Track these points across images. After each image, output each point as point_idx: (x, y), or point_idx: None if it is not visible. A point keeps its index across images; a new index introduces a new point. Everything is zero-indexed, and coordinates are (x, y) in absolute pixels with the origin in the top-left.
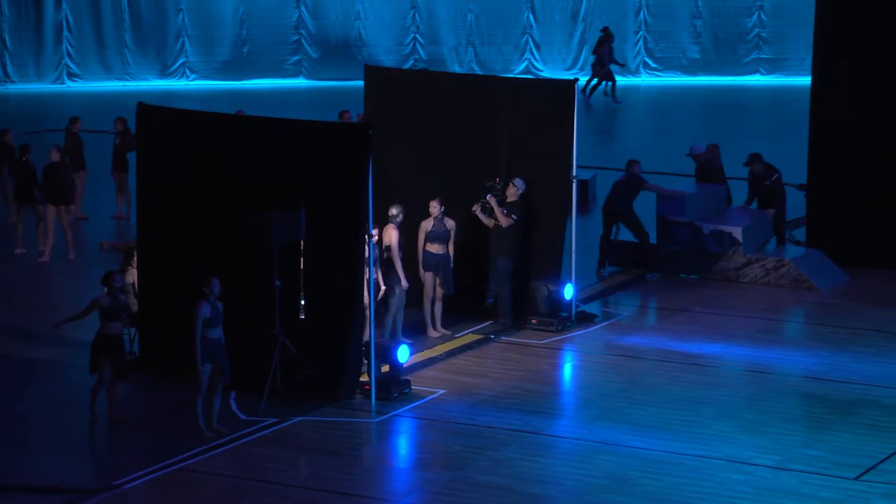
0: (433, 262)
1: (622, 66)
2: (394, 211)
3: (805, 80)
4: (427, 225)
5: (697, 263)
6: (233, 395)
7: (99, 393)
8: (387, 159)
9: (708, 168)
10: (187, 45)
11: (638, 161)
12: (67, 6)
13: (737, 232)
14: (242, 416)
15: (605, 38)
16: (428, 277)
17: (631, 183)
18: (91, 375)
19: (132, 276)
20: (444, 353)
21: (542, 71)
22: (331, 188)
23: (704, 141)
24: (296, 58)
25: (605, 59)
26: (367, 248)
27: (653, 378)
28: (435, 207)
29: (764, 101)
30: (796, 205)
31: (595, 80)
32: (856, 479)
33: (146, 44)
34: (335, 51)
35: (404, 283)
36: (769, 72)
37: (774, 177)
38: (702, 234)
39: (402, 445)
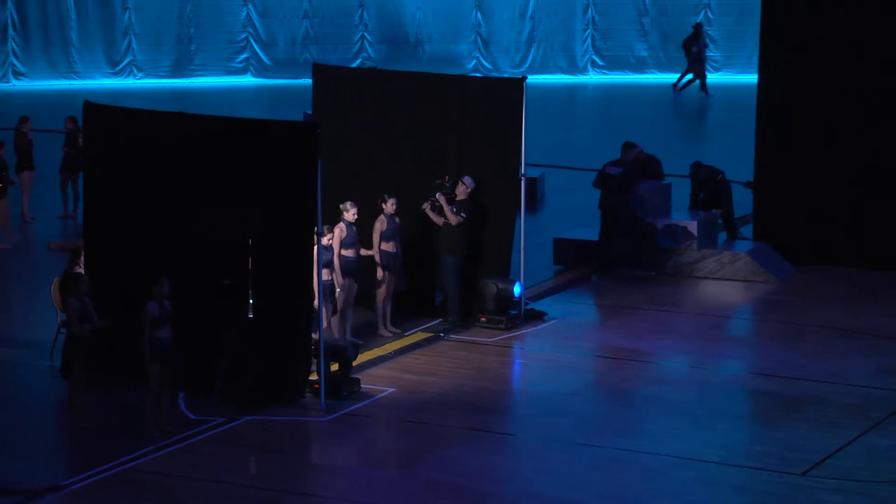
0: (389, 260)
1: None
2: (347, 207)
3: (753, 78)
4: (381, 223)
5: (651, 259)
6: (181, 394)
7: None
8: (335, 158)
9: (652, 166)
10: (134, 44)
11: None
12: (12, 4)
13: (692, 226)
14: (191, 416)
15: (697, 34)
16: (385, 275)
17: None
18: (55, 376)
19: None
20: (393, 351)
21: (490, 69)
22: (279, 187)
23: (650, 139)
24: (244, 56)
25: (701, 55)
26: (315, 247)
27: (602, 375)
28: (391, 205)
29: (712, 99)
30: (743, 202)
31: (690, 76)
32: (803, 474)
33: (93, 42)
34: (283, 49)
35: (338, 281)
36: (717, 70)
37: (719, 177)
38: (655, 230)
39: (352, 444)
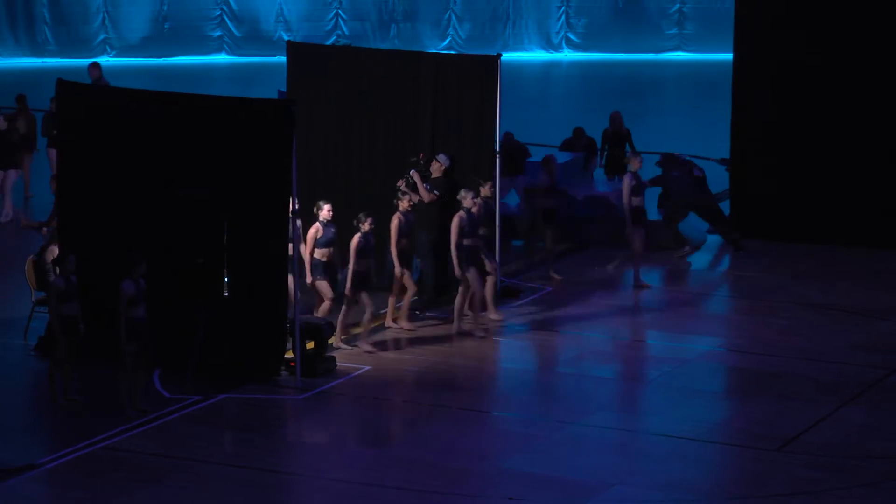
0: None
1: None
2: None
3: (728, 56)
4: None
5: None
6: (156, 373)
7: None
8: (310, 136)
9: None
10: (107, 21)
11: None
12: None
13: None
14: (166, 394)
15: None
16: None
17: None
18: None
19: (53, 253)
20: (369, 329)
21: (465, 47)
22: (255, 164)
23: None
24: (217, 34)
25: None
26: (291, 225)
27: (578, 352)
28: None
29: (687, 77)
30: (719, 179)
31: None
32: (777, 450)
33: (65, 20)
34: (257, 26)
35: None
36: (691, 48)
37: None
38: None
39: (328, 422)
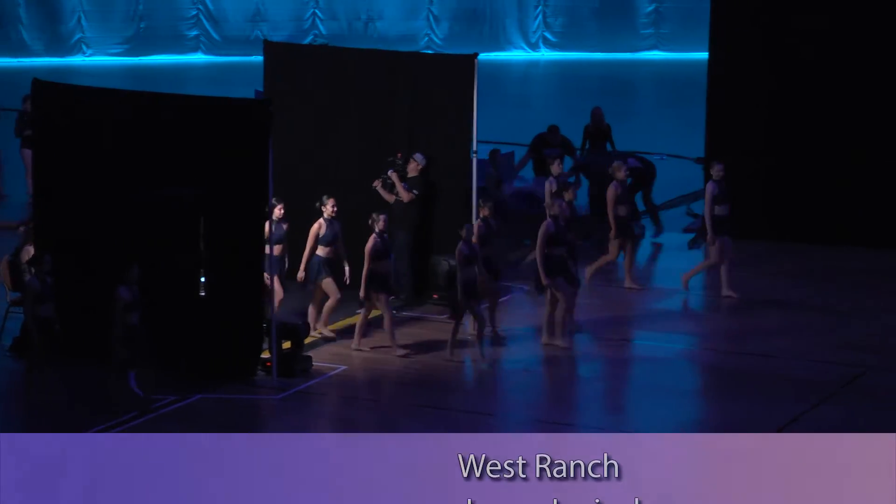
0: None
1: None
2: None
3: (704, 56)
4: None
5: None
6: (132, 374)
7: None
8: (287, 136)
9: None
10: (83, 21)
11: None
12: None
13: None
14: (141, 394)
15: None
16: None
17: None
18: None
19: (29, 253)
20: (346, 328)
21: (442, 46)
22: (231, 165)
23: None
24: (194, 33)
25: None
26: (268, 225)
27: (553, 351)
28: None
29: (664, 76)
30: (695, 178)
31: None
32: None
33: (41, 19)
34: (234, 26)
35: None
36: (668, 47)
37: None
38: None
39: (304, 421)
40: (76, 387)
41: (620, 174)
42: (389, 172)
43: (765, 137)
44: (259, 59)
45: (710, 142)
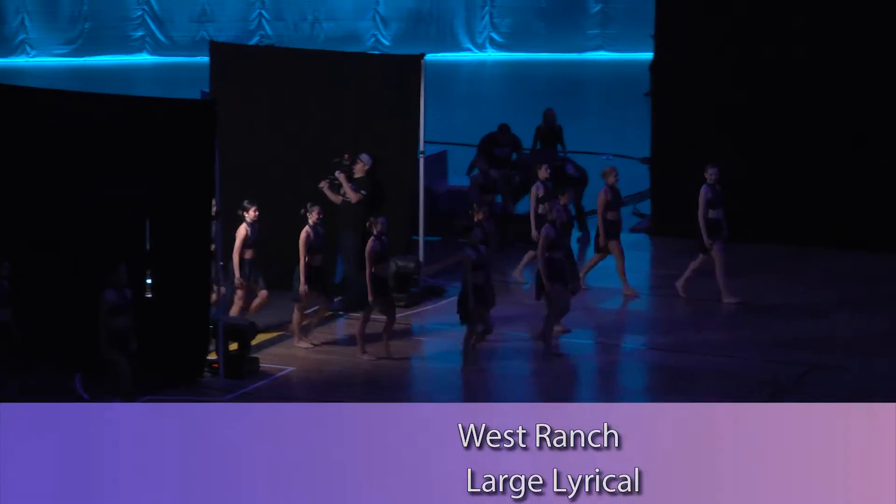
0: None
1: None
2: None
3: (649, 56)
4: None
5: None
6: (77, 375)
7: None
8: (234, 137)
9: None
10: (27, 21)
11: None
12: None
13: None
14: (86, 397)
15: None
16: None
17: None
18: None
19: None
20: (293, 330)
21: (389, 47)
22: (177, 166)
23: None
24: (139, 34)
25: None
26: (214, 226)
27: (504, 351)
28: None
29: (610, 77)
30: (641, 178)
31: None
32: None
33: None
34: (180, 27)
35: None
36: (614, 48)
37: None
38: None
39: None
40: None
41: (610, 179)
42: (337, 173)
43: (710, 138)
44: (205, 59)
45: (655, 142)
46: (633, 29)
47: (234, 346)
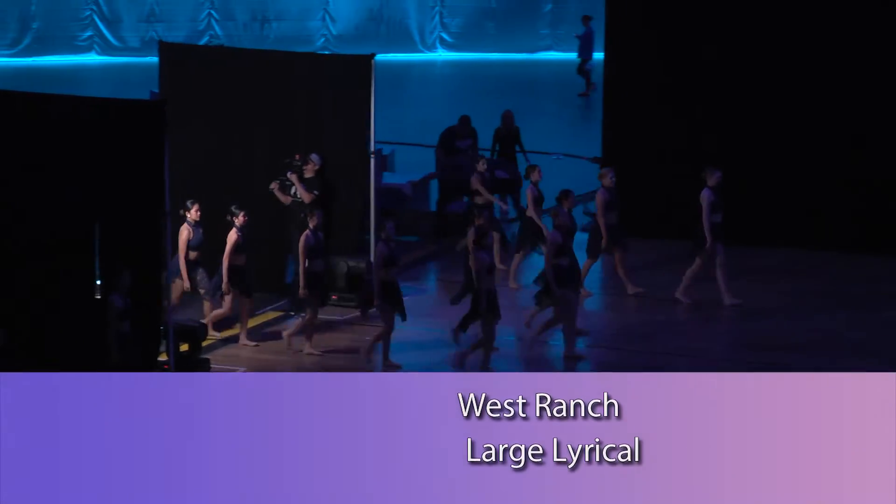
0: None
1: None
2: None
3: (600, 56)
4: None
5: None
6: None
7: None
8: (184, 137)
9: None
10: None
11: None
12: None
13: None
14: None
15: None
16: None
17: None
18: None
19: None
20: (245, 331)
21: (338, 47)
22: (127, 167)
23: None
24: (88, 34)
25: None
26: (166, 228)
27: (451, 352)
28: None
29: (561, 76)
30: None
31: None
32: None
33: None
34: (128, 27)
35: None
36: (564, 48)
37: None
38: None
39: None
40: None
41: (607, 181)
42: (289, 174)
43: (662, 137)
44: (154, 60)
45: (606, 142)
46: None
47: (184, 347)
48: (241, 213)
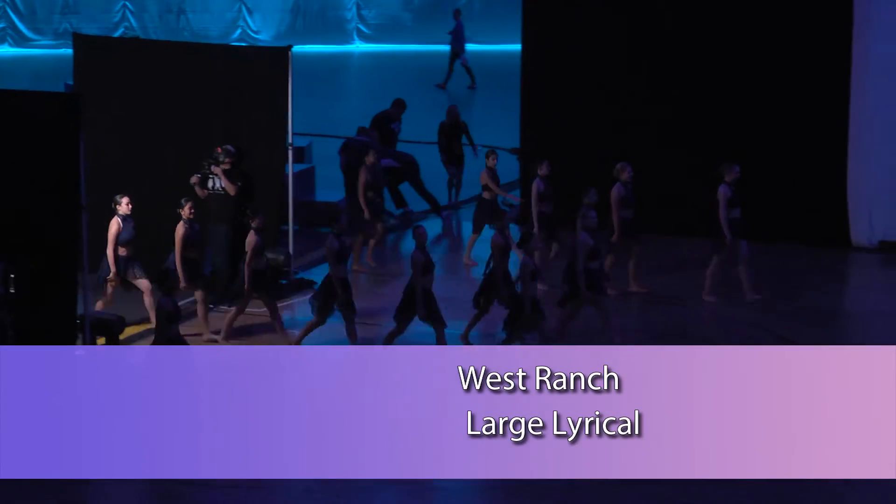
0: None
1: None
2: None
3: (517, 48)
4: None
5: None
6: None
7: None
8: (99, 130)
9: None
10: None
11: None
12: None
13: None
14: None
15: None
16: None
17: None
18: None
19: None
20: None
21: (256, 38)
22: (40, 160)
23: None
24: (1, 25)
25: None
26: (81, 221)
27: (371, 342)
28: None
29: (478, 68)
30: (511, 169)
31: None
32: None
33: None
34: (43, 18)
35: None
36: (481, 39)
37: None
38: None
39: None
40: None
41: (624, 175)
42: (213, 167)
43: (578, 127)
44: (69, 52)
45: (524, 133)
46: (499, 21)
47: (101, 341)
48: (188, 205)
